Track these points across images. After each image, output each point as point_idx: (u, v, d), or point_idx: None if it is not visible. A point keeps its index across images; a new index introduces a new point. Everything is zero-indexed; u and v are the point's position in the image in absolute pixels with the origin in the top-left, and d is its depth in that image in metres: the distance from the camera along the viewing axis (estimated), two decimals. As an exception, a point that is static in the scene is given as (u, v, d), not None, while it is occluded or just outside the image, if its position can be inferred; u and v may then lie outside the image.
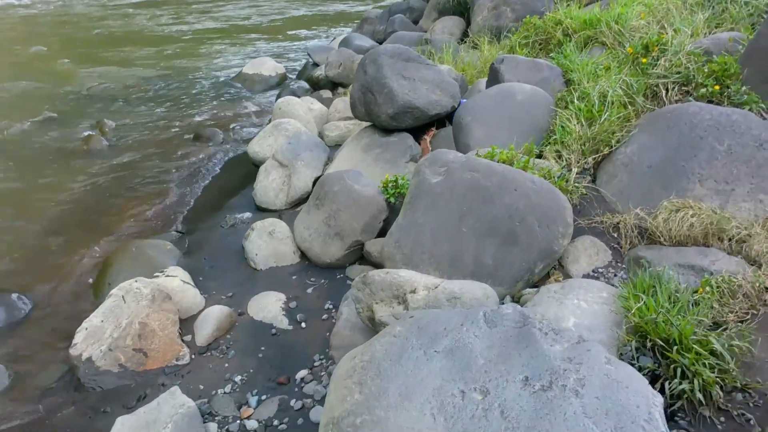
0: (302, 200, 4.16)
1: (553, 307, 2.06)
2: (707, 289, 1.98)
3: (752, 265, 2.24)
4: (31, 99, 7.57)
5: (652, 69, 3.48)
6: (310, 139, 4.46)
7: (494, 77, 4.16)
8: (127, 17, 15.77)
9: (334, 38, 11.01)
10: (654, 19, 4.43)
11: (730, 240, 2.36)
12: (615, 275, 2.50)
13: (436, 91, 4.11)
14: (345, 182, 3.28)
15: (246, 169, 4.96)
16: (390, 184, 3.18)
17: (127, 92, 7.94)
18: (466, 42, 7.56)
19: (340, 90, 7.33)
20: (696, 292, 2.01)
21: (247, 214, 4.16)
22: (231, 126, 6.50)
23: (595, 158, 3.11)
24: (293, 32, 13.40)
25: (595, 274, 2.53)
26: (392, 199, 3.17)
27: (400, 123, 4.08)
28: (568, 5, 5.31)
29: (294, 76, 8.84)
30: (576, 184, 2.93)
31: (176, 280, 3.12)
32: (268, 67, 8.45)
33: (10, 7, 18.71)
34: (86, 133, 6.25)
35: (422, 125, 4.19)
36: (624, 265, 2.55)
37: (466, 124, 3.55)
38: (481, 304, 2.08)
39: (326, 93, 7.31)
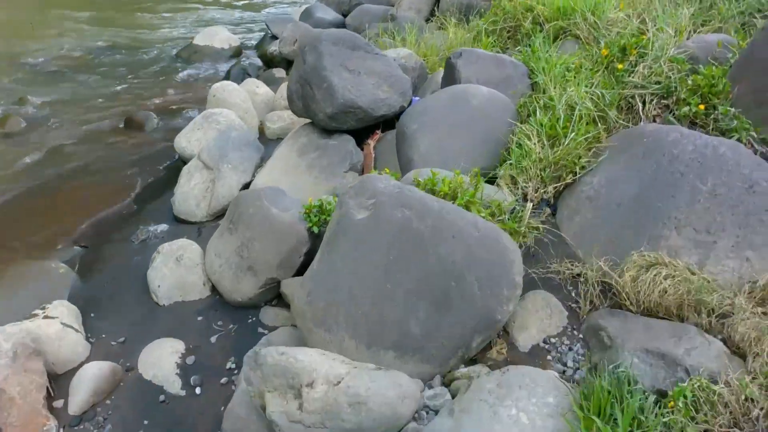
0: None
1: (485, 420, 1.60)
2: (680, 402, 1.54)
3: (735, 352, 1.81)
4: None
5: (629, 76, 2.98)
6: (241, 136, 3.88)
7: (450, 73, 3.62)
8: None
9: (300, 5, 10.27)
10: (634, 12, 3.90)
11: (709, 314, 1.92)
12: (570, 349, 2.05)
13: (383, 87, 3.56)
14: (262, 204, 2.75)
15: (175, 165, 4.38)
16: (314, 210, 2.66)
17: (64, 63, 7.18)
18: (433, 21, 6.94)
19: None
20: (666, 404, 1.57)
21: (163, 227, 3.60)
22: (170, 108, 5.85)
23: (556, 187, 2.63)
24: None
25: (546, 346, 2.07)
26: (315, 229, 2.65)
27: (341, 124, 3.54)
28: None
29: (251, 50, 8.14)
30: (531, 222, 2.45)
31: (55, 324, 2.58)
32: (221, 38, 7.73)
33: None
34: (2, 111, 5.57)
35: (367, 126, 3.66)
36: (581, 334, 2.10)
37: (411, 134, 3.03)
38: (393, 414, 1.61)
39: (279, 72, 6.67)
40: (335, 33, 3.66)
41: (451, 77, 3.61)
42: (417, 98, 3.78)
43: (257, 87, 5.33)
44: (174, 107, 5.93)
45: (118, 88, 6.46)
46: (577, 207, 2.52)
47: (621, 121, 2.85)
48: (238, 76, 6.69)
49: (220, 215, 3.61)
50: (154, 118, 5.41)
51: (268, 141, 4.64)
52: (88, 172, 4.44)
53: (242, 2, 11.77)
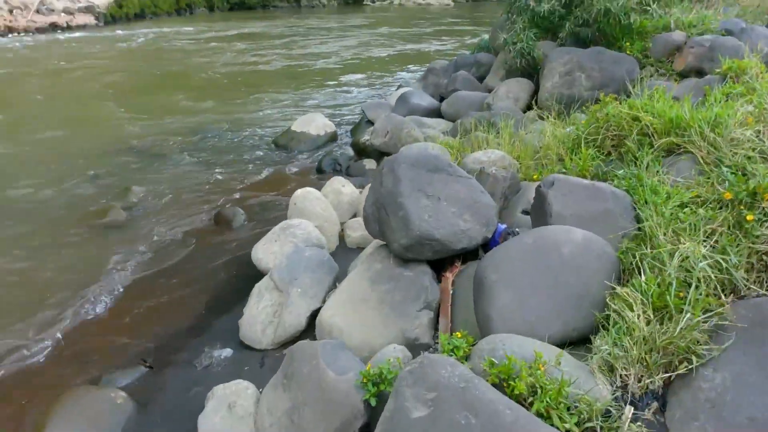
0: (294, 339, 3.41)
1: None
2: None
3: None
4: (79, 150, 7.41)
5: (762, 228, 2.44)
6: (315, 256, 3.71)
7: (540, 205, 3.24)
8: (213, 53, 16.01)
9: (398, 86, 10.39)
10: (766, 128, 3.34)
11: None
12: None
13: (464, 216, 3.25)
14: (318, 364, 2.49)
15: (253, 275, 4.28)
16: (372, 380, 2.35)
17: (170, 148, 7.63)
18: (533, 109, 6.61)
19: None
20: None
21: (227, 352, 3.45)
22: (260, 202, 5.91)
23: (665, 379, 2.13)
24: (364, 75, 12.93)
25: None
26: (373, 401, 2.34)
27: (417, 254, 3.25)
28: (649, 95, 4.26)
29: (349, 135, 8.23)
30: (632, 428, 1.96)
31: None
32: (318, 125, 7.88)
33: (116, 39, 19.65)
34: (107, 201, 5.89)
35: (446, 257, 3.34)
36: None
37: (490, 285, 2.66)
38: None
39: (370, 163, 6.61)
40: (415, 154, 3.44)
41: (540, 210, 3.23)
42: (503, 226, 3.42)
43: (343, 186, 5.22)
44: (266, 199, 5.99)
45: (217, 175, 6.69)
46: (695, 410, 2.01)
47: (752, 287, 2.32)
48: (329, 166, 6.71)
49: (286, 344, 3.41)
50: (241, 215, 5.46)
51: (347, 251, 4.46)
52: (169, 276, 4.47)
53: (347, 83, 12.17)
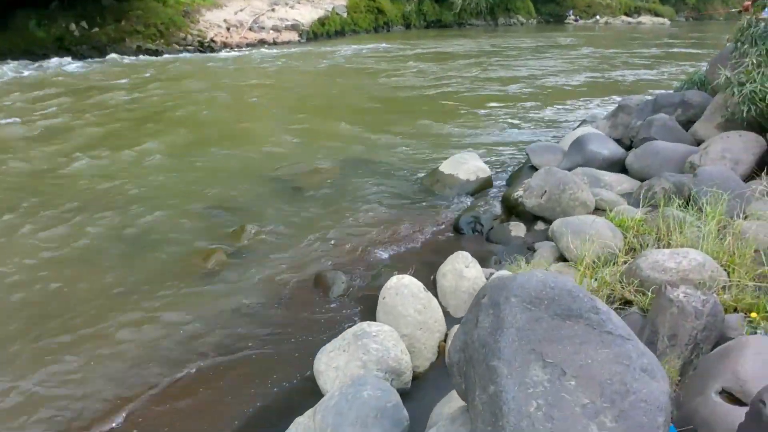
0: None
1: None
2: None
3: None
4: (217, 174, 7.21)
5: None
6: (373, 400, 2.55)
7: (757, 419, 1.73)
8: (397, 73, 15.73)
9: (581, 123, 8.75)
10: None
11: None
12: None
13: (603, 417, 1.85)
14: None
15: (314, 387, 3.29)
16: None
17: (311, 179, 7.05)
18: (760, 179, 4.68)
19: (540, 226, 5.20)
20: None
21: None
22: (374, 264, 4.95)
23: None
24: (546, 106, 11.41)
25: None
26: None
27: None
28: None
29: (505, 182, 6.93)
30: None
31: None
32: (469, 168, 6.70)
33: (311, 55, 20.63)
34: (217, 241, 5.41)
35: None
36: None
37: None
38: None
39: (518, 228, 5.25)
40: (538, 284, 2.11)
41: (757, 423, 1.72)
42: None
43: (467, 266, 4.00)
44: (381, 259, 5.01)
45: (345, 218, 5.89)
46: None
47: None
48: (468, 225, 5.51)
49: None
50: (342, 282, 4.52)
51: (445, 374, 3.25)
52: (234, 361, 3.67)
53: (524, 115, 10.77)
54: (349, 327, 3.22)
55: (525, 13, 42.34)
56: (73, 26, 21.36)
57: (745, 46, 5.33)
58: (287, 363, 3.55)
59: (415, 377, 3.15)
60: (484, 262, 4.65)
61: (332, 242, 5.37)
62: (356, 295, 4.37)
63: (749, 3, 6.67)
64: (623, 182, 5.65)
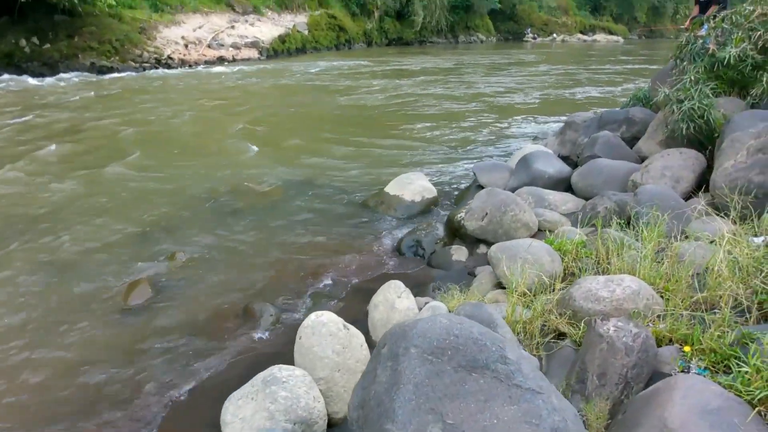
0: None
1: None
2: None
3: None
4: (159, 193, 6.84)
5: None
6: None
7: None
8: (354, 90, 15.52)
9: (533, 139, 8.69)
10: None
11: None
12: None
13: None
14: None
15: None
16: None
17: (254, 201, 6.73)
18: (698, 197, 4.60)
19: (482, 249, 5.01)
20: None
21: None
22: (307, 291, 4.67)
23: None
24: (497, 123, 11.37)
25: None
26: None
27: None
28: None
29: (452, 202, 6.75)
30: None
31: None
32: (414, 188, 6.50)
33: (269, 72, 20.27)
34: (144, 270, 5.04)
35: None
36: None
37: None
38: None
39: (459, 251, 5.06)
40: (442, 332, 1.87)
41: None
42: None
43: (398, 297, 3.76)
44: (316, 288, 4.74)
45: (284, 244, 5.59)
46: None
47: None
48: (410, 249, 5.29)
49: None
50: (271, 314, 4.22)
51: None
52: (138, 408, 3.33)
53: (476, 131, 10.69)
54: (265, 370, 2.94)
55: (485, 31, 43.03)
56: (23, 42, 20.60)
57: (684, 63, 5.31)
58: (196, 411, 3.22)
59: (333, 424, 2.88)
60: (422, 289, 4.44)
61: (267, 270, 5.07)
62: (284, 329, 4.07)
63: (689, 21, 6.71)
64: (568, 201, 5.52)
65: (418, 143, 9.71)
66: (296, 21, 31.08)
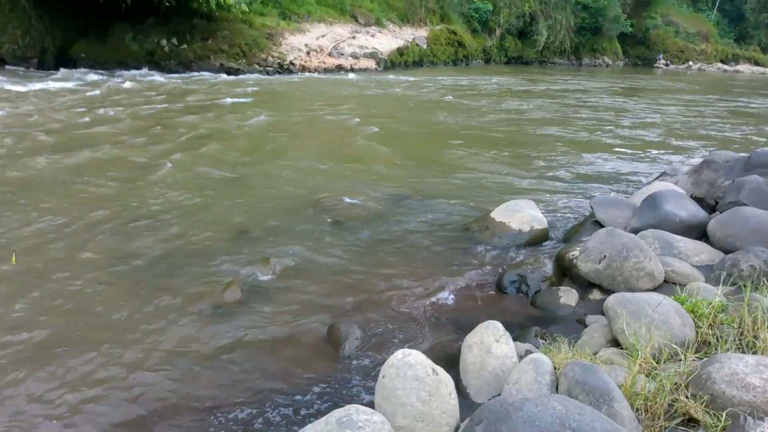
0: None
1: None
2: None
3: None
4: (252, 201, 6.90)
5: None
6: None
7: None
8: (465, 107, 15.21)
9: (660, 176, 7.89)
10: None
11: None
12: None
13: None
14: None
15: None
16: None
17: (348, 214, 6.58)
18: None
19: (596, 295, 4.47)
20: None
21: None
22: (398, 317, 4.38)
23: None
24: (621, 154, 10.53)
25: None
26: None
27: None
28: None
29: (562, 234, 6.20)
30: None
31: None
32: (522, 216, 6.02)
33: (385, 83, 20.53)
34: (237, 272, 5.02)
35: None
36: None
37: None
38: None
39: (568, 294, 4.55)
40: (554, 419, 1.51)
41: None
42: None
43: (496, 341, 3.36)
44: (410, 313, 4.44)
45: (378, 262, 5.37)
46: None
47: None
48: (513, 285, 4.84)
49: None
50: (356, 338, 3.97)
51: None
52: (203, 422, 3.20)
53: (595, 162, 9.93)
54: (339, 408, 2.67)
55: (612, 54, 40.90)
56: (164, 42, 22.47)
57: None
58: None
59: (409, 482, 2.55)
60: (523, 333, 3.99)
61: (358, 289, 4.85)
62: (367, 357, 3.80)
63: None
64: (702, 252, 4.81)
65: (530, 168, 9.16)
66: (416, 35, 31.28)
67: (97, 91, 15.17)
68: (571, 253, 4.88)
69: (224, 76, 20.94)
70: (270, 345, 3.99)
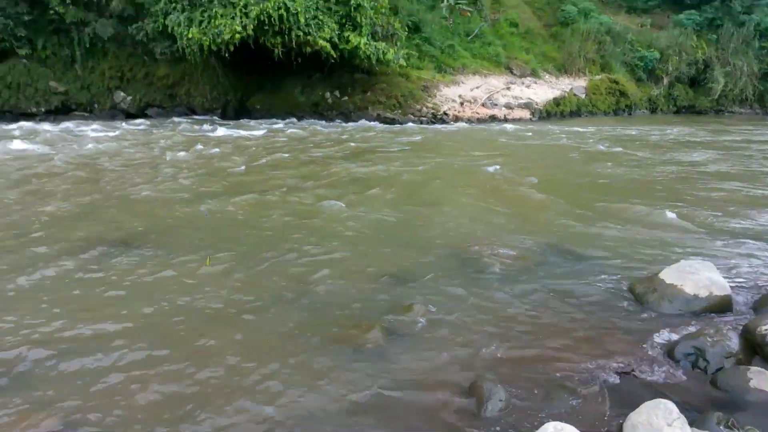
0: None
1: None
2: None
3: None
4: (398, 245, 6.91)
5: None
6: None
7: None
8: (652, 162, 14.28)
9: None
10: None
11: None
12: None
13: None
14: None
15: None
16: None
17: (499, 263, 6.30)
18: None
19: (799, 382, 3.69)
20: None
21: None
22: (546, 383, 3.99)
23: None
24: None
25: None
26: None
27: None
28: None
29: (750, 308, 5.32)
30: None
31: None
32: (699, 280, 5.28)
33: (541, 133, 20.15)
34: (378, 315, 4.97)
35: None
36: None
37: None
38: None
39: (761, 376, 3.81)
40: None
41: None
42: None
43: (669, 425, 2.89)
44: (559, 376, 4.04)
45: (528, 317, 5.03)
46: None
47: None
48: (688, 359, 4.21)
49: None
50: (500, 400, 3.66)
51: None
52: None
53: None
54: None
55: (806, 102, 35.99)
56: (327, 94, 24.34)
57: None
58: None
59: None
60: (701, 418, 3.39)
61: (506, 346, 4.53)
62: (512, 423, 3.47)
63: None
64: None
65: (705, 225, 8.13)
66: (574, 85, 30.38)
67: (271, 136, 16.82)
68: (763, 328, 4.13)
69: (380, 125, 22.04)
70: (407, 394, 3.83)
